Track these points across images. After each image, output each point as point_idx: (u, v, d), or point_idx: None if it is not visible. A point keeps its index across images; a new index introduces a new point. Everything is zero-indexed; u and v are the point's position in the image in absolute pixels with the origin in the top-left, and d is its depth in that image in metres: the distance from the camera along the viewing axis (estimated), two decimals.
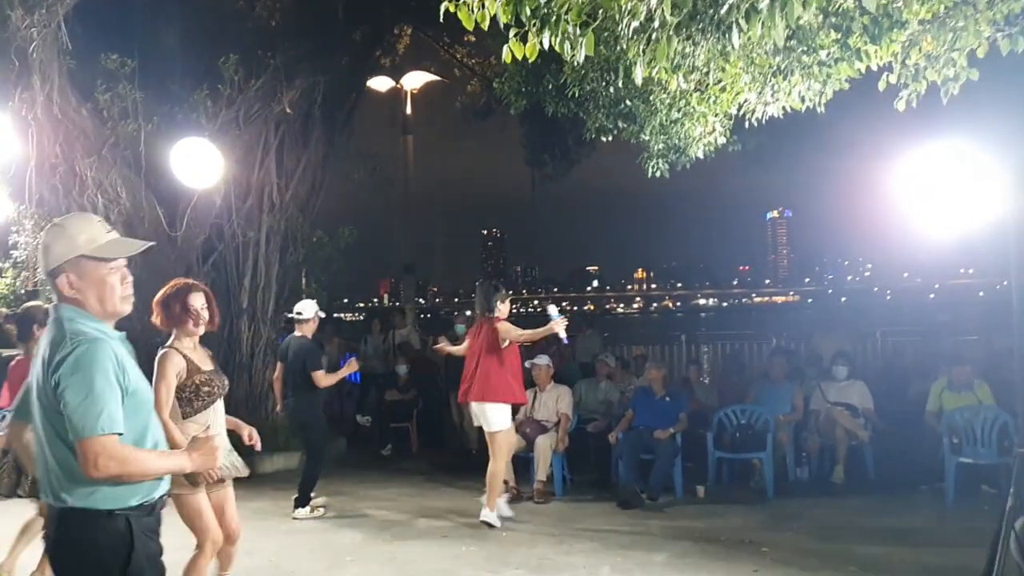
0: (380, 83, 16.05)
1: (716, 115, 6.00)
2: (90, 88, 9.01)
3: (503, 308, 7.15)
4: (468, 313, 14.99)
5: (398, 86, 16.62)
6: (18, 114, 8.26)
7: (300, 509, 7.51)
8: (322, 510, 7.62)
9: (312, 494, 7.61)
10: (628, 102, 6.40)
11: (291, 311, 12.58)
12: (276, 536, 6.94)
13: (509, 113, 15.32)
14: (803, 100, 5.16)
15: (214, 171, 9.05)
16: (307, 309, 7.78)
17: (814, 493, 8.07)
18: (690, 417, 8.41)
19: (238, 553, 4.91)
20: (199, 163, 8.94)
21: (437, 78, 16.60)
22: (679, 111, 6.07)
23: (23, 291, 10.96)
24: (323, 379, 7.51)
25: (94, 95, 8.99)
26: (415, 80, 16.78)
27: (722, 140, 6.48)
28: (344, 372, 8.10)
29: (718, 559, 6.03)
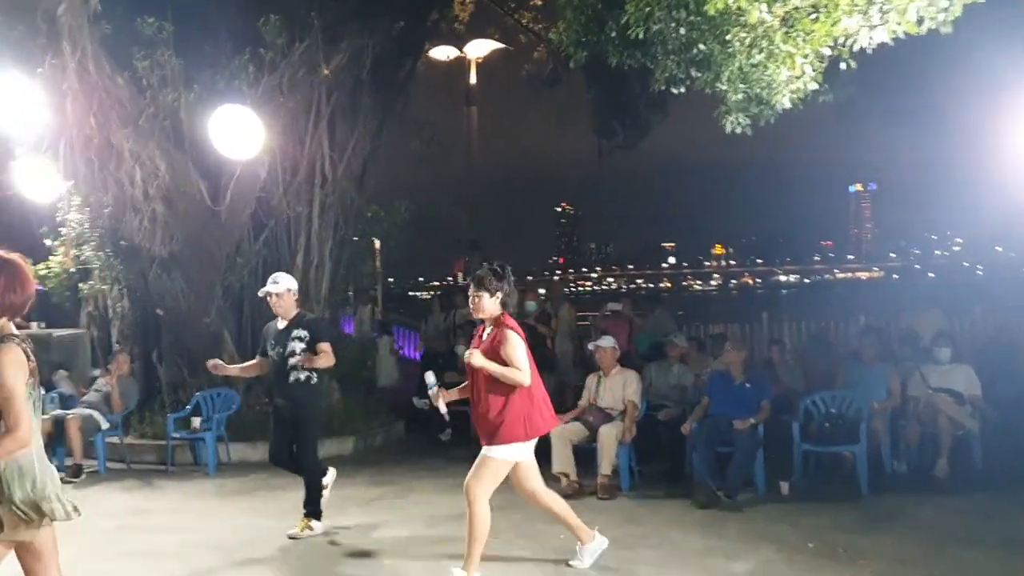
0: (442, 52, 15.43)
1: (805, 55, 5.11)
2: (125, 55, 8.56)
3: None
4: (541, 291, 14.33)
5: (461, 55, 15.98)
6: (49, 83, 7.84)
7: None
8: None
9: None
10: (702, 45, 5.53)
11: (349, 290, 12.27)
12: (317, 537, 6.38)
13: (577, 81, 14.60)
14: (921, 21, 4.24)
15: (255, 141, 8.52)
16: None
17: (914, 490, 7.16)
18: (773, 404, 7.57)
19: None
20: (239, 132, 8.42)
21: (502, 45, 15.89)
22: (761, 52, 5.19)
23: (72, 269, 10.71)
24: None
25: (132, 62, 8.54)
26: (479, 48, 16.10)
27: (813, 86, 5.54)
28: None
29: (808, 571, 5.24)
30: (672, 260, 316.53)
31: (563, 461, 7.32)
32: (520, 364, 4.89)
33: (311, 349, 6.14)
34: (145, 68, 8.61)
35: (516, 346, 4.93)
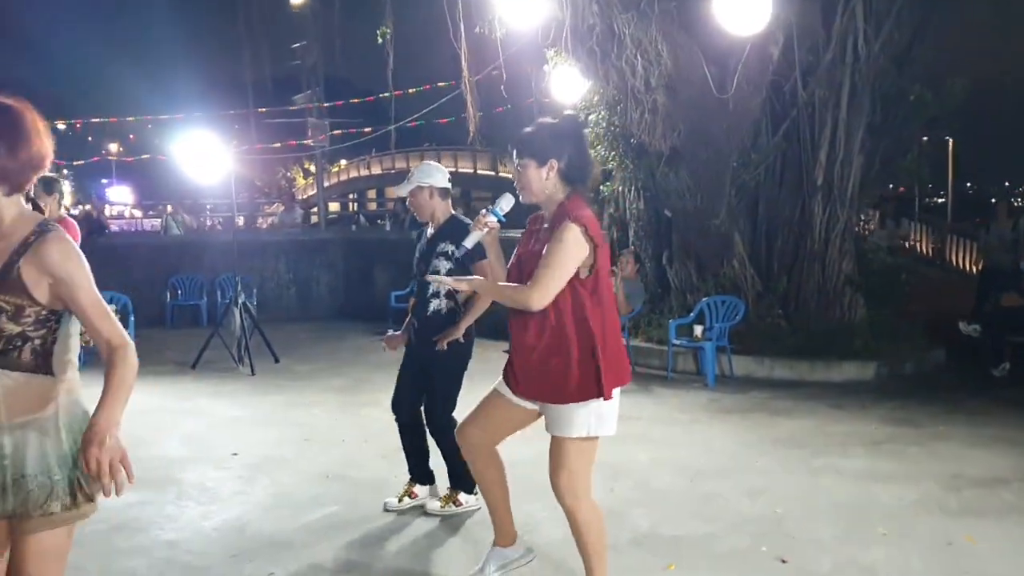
0: None
1: None
2: None
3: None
4: None
5: None
6: None
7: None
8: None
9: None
10: None
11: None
12: (799, 476, 5.34)
13: None
14: None
15: (765, 11, 7.36)
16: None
17: None
18: None
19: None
20: (748, 3, 7.34)
21: None
22: None
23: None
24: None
25: None
26: None
27: None
28: None
29: None
30: None
31: None
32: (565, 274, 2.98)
33: (462, 270, 4.19)
34: None
35: (571, 247, 2.95)
